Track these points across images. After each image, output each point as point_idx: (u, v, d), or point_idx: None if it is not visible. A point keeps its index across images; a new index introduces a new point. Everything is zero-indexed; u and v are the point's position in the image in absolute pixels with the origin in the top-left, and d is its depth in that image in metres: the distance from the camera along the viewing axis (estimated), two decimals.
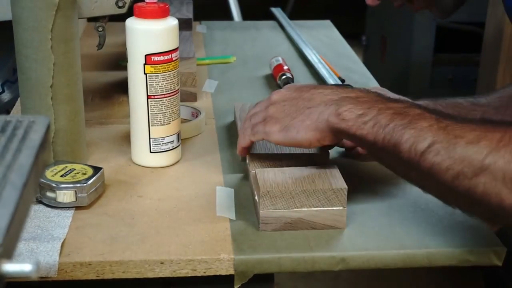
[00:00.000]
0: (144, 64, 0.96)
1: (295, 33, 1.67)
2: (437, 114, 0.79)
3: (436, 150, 0.75)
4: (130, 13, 1.14)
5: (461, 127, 0.76)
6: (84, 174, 0.92)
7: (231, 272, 0.81)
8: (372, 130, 0.80)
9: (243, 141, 0.94)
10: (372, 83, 1.39)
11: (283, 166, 0.93)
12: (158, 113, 0.99)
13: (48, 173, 0.91)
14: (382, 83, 1.38)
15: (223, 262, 0.81)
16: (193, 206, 0.91)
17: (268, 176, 0.88)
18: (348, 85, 1.31)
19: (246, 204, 0.92)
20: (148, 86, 0.97)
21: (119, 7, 1.09)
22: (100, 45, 1.13)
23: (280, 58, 1.41)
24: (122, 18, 1.20)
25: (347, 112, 0.81)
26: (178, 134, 1.02)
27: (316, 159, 0.95)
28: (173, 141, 1.02)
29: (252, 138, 0.92)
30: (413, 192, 0.96)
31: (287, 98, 0.89)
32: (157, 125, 1.00)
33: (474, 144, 0.73)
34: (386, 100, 0.83)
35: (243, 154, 0.97)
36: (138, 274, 0.80)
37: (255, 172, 0.89)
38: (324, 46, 1.61)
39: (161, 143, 1.01)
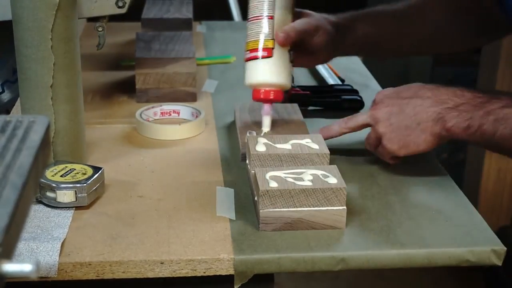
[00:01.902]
0: None
1: None
2: None
3: None
4: (130, 13, 1.14)
5: None
6: (84, 174, 0.92)
7: (231, 272, 0.81)
8: (481, 140, 0.91)
9: (334, 132, 1.03)
10: (372, 83, 1.39)
11: (282, 166, 0.93)
12: None
13: (48, 173, 0.91)
14: (382, 83, 1.38)
15: (223, 262, 0.81)
16: (193, 206, 0.92)
17: (267, 176, 0.88)
18: (348, 85, 1.31)
19: (246, 204, 0.92)
20: None
21: (119, 7, 1.09)
22: (100, 45, 1.13)
23: None
24: (122, 18, 1.20)
25: (454, 127, 0.91)
26: None
27: (315, 159, 0.95)
28: None
29: (381, 157, 1.00)
30: (413, 192, 0.96)
31: (390, 115, 0.96)
32: None
33: None
34: (480, 102, 0.91)
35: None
36: (138, 274, 0.80)
37: (255, 172, 0.90)
38: None
39: None
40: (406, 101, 0.95)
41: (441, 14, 1.20)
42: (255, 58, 1.03)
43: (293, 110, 1.15)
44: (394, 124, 0.95)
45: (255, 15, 1.03)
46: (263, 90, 1.03)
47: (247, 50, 1.04)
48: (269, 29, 1.02)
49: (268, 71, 1.02)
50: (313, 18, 1.12)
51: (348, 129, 1.02)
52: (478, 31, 1.21)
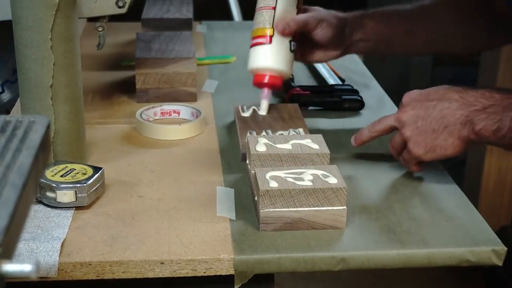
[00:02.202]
0: None
1: None
2: None
3: None
4: (130, 13, 1.14)
5: None
6: (84, 174, 0.92)
7: (231, 272, 0.81)
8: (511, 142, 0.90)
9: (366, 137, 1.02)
10: (373, 83, 1.39)
11: (283, 166, 0.93)
12: None
13: (48, 173, 0.91)
14: (382, 83, 1.38)
15: (223, 262, 0.81)
16: (193, 206, 0.91)
17: (267, 176, 0.88)
18: (349, 85, 1.31)
19: (246, 204, 0.92)
20: None
21: (119, 7, 1.09)
22: (100, 45, 1.13)
23: None
24: (122, 18, 1.20)
25: (483, 130, 0.90)
26: None
27: (315, 159, 0.95)
28: None
29: (404, 164, 0.99)
30: (413, 192, 0.96)
31: (417, 118, 0.94)
32: None
33: None
34: (509, 103, 0.89)
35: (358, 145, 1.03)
36: (138, 274, 0.80)
37: (255, 172, 0.90)
38: None
39: None
40: (434, 104, 0.93)
41: (453, 14, 1.20)
42: (255, 44, 1.09)
43: (293, 110, 1.15)
44: (421, 127, 0.94)
45: (260, 6, 1.10)
46: (261, 74, 1.09)
47: (251, 38, 1.11)
48: (270, 18, 1.08)
49: (266, 57, 1.09)
50: (318, 12, 1.14)
51: (376, 133, 1.01)
52: (490, 32, 1.20)
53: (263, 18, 1.09)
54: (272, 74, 1.08)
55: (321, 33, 1.13)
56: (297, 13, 1.12)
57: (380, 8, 1.22)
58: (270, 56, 1.08)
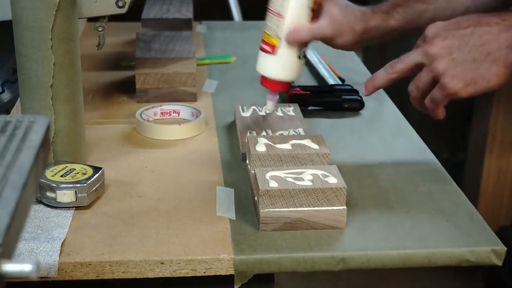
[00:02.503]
0: None
1: None
2: None
3: None
4: (130, 13, 1.14)
5: None
6: (84, 174, 0.92)
7: (231, 272, 0.81)
8: None
9: (380, 81, 0.91)
10: None
11: (283, 166, 0.93)
12: None
13: (48, 173, 0.91)
14: None
15: (223, 262, 0.81)
16: (193, 206, 0.91)
17: (267, 176, 0.88)
18: (349, 85, 1.31)
19: (246, 204, 0.92)
20: None
21: (119, 7, 1.09)
22: (100, 45, 1.13)
23: None
24: (122, 18, 1.20)
25: None
26: None
27: (315, 158, 0.95)
28: None
29: (430, 106, 0.88)
30: (413, 192, 0.96)
31: (451, 49, 0.84)
32: None
33: None
34: None
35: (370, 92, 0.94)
36: (138, 274, 0.80)
37: (255, 172, 0.90)
38: (324, 46, 1.61)
39: None
40: (470, 31, 0.84)
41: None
42: (263, 49, 1.05)
43: (293, 110, 1.15)
44: (458, 58, 0.84)
45: (270, 8, 1.03)
46: (267, 80, 1.05)
47: (262, 38, 1.06)
48: (278, 28, 1.01)
49: (271, 67, 1.04)
50: (337, 20, 1.01)
51: (396, 74, 0.90)
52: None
53: (272, 24, 1.02)
54: (278, 81, 1.05)
55: (341, 42, 1.03)
56: (313, 14, 1.02)
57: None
58: (274, 67, 1.04)
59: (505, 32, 0.83)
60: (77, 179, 0.90)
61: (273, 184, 0.86)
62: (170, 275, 0.81)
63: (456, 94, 0.85)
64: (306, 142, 0.98)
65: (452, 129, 2.35)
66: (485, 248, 0.84)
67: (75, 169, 0.93)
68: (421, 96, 0.89)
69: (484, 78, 0.84)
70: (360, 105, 1.25)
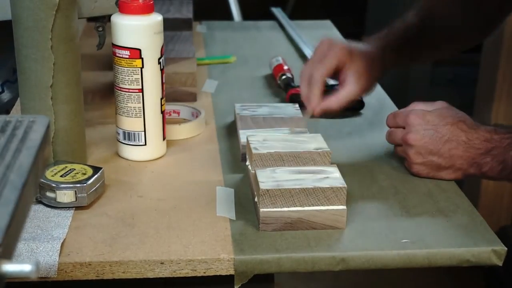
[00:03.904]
0: None
1: (295, 33, 1.67)
2: None
3: None
4: None
5: None
6: (84, 174, 0.92)
7: (231, 272, 0.81)
8: None
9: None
10: None
11: (284, 166, 0.93)
12: None
13: (48, 173, 0.91)
14: (382, 83, 1.38)
15: (223, 262, 0.81)
16: (193, 206, 0.91)
17: (267, 175, 0.88)
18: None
19: (246, 204, 0.92)
20: None
21: None
22: (100, 45, 1.13)
23: (280, 58, 1.41)
24: None
25: (489, 172, 0.96)
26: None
27: (316, 158, 0.95)
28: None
29: (389, 139, 1.05)
30: (413, 192, 0.96)
31: (426, 151, 0.98)
32: None
33: None
34: (508, 144, 0.94)
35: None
36: (138, 274, 0.80)
37: (255, 172, 0.90)
38: None
39: None
40: (444, 140, 0.97)
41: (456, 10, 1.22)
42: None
43: (293, 110, 1.15)
44: (428, 161, 0.98)
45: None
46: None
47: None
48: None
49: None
50: (361, 79, 1.10)
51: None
52: (486, 21, 1.24)
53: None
54: None
55: (367, 92, 1.15)
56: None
57: (388, 35, 1.19)
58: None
59: (468, 152, 0.96)
60: (77, 179, 0.90)
61: (273, 184, 0.86)
62: (170, 275, 0.81)
63: (417, 175, 1.00)
64: (307, 141, 0.97)
65: None
66: (485, 248, 0.84)
67: (75, 169, 0.93)
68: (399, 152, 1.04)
69: (445, 177, 0.99)
70: (360, 105, 1.25)
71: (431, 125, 0.98)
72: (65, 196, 0.89)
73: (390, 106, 1.27)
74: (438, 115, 0.98)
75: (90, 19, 1.36)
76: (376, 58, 1.12)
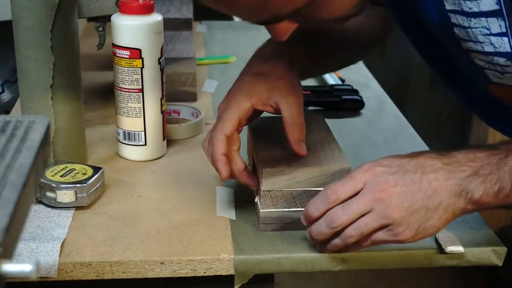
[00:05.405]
0: None
1: None
2: None
3: None
4: None
5: None
6: (84, 174, 0.92)
7: (231, 272, 0.81)
8: None
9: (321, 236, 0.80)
10: (373, 83, 1.39)
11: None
12: None
13: (48, 173, 0.91)
14: (382, 83, 1.38)
15: (223, 262, 0.81)
16: (193, 206, 0.91)
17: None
18: (349, 85, 1.31)
19: (246, 204, 0.92)
20: None
21: None
22: (100, 45, 1.13)
23: None
24: None
25: (484, 196, 0.77)
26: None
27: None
28: None
29: (366, 244, 0.79)
30: None
31: (405, 195, 0.77)
32: None
33: None
34: (498, 159, 0.77)
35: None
36: (138, 274, 0.80)
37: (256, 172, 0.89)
38: None
39: None
40: (418, 176, 0.77)
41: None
42: None
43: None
44: (413, 206, 0.76)
45: None
46: None
47: None
48: None
49: None
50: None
51: (340, 227, 0.78)
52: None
53: None
54: None
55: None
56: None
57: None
58: None
59: (450, 178, 0.77)
60: (77, 179, 0.90)
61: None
62: (170, 275, 0.81)
63: (404, 242, 0.78)
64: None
65: (452, 129, 2.35)
66: (485, 248, 0.84)
67: (75, 169, 0.93)
68: (363, 241, 0.79)
69: (435, 226, 0.78)
70: (360, 105, 1.25)
71: (396, 167, 0.78)
72: (65, 196, 0.89)
73: (390, 106, 1.27)
74: (392, 157, 0.81)
75: (90, 19, 1.36)
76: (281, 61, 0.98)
